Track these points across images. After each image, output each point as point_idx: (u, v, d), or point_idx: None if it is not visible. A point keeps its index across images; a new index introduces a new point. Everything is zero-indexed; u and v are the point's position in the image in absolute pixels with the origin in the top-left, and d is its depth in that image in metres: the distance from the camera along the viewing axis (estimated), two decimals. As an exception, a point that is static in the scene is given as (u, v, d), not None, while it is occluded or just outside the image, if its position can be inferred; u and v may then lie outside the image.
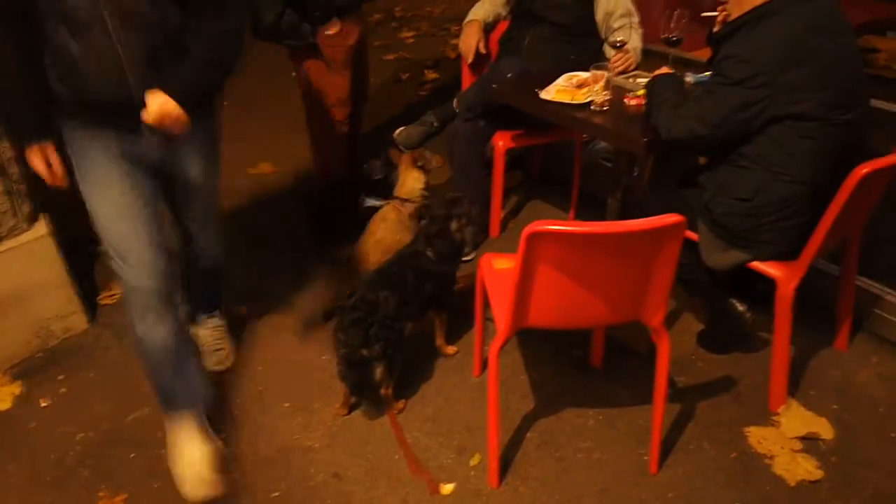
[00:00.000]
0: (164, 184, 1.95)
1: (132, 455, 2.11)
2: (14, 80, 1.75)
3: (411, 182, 2.63)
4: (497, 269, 2.04)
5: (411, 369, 2.32)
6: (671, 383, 2.25)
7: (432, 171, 2.70)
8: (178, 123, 1.68)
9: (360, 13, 2.93)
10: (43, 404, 2.32)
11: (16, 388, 2.37)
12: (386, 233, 2.59)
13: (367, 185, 3.23)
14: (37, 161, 1.81)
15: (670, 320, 2.53)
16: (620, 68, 2.62)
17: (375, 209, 2.75)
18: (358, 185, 3.20)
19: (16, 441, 2.18)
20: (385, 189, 2.95)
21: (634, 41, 2.81)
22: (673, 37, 2.40)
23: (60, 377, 2.42)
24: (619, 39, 2.70)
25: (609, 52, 2.84)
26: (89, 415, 2.25)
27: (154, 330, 1.86)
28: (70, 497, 1.99)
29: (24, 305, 2.46)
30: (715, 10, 2.19)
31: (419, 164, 2.64)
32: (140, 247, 1.81)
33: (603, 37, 2.90)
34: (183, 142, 1.84)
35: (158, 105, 1.64)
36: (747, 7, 1.89)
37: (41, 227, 2.48)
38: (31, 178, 2.41)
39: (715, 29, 2.17)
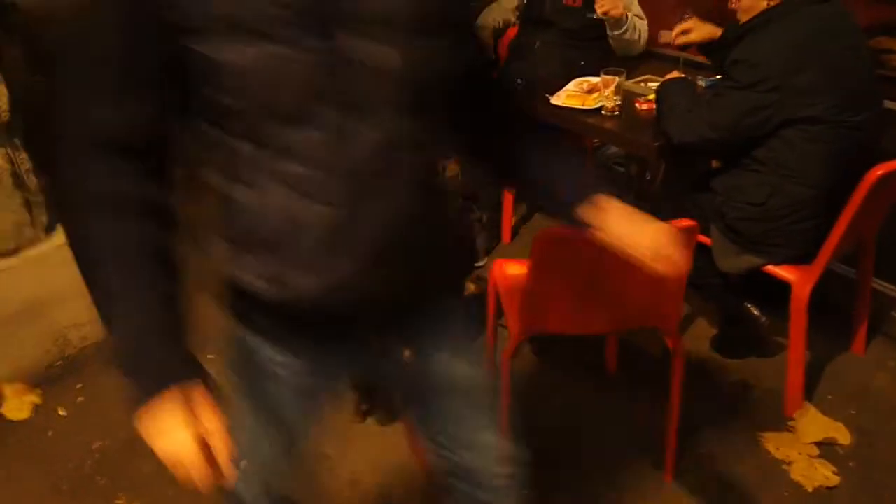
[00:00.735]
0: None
1: (149, 463, 2.12)
2: (148, 301, 0.93)
3: None
4: (509, 275, 2.04)
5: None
6: (686, 389, 2.24)
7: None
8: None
9: None
10: (61, 413, 2.34)
11: (35, 397, 2.39)
12: None
13: None
14: (175, 426, 0.88)
15: (684, 325, 2.51)
16: (606, 8, 2.60)
17: None
18: None
19: (34, 449, 2.21)
20: None
21: (643, 32, 2.80)
22: (684, 41, 2.40)
23: (78, 386, 2.44)
24: None
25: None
26: (107, 423, 2.27)
27: None
28: (88, 505, 2.01)
29: (42, 315, 2.49)
30: (687, 24, 2.27)
31: None
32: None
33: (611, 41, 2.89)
34: (432, 336, 1.17)
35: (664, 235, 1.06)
36: (756, 11, 1.89)
37: (59, 237, 2.51)
38: (49, 188, 2.46)
39: (673, 36, 2.27)
